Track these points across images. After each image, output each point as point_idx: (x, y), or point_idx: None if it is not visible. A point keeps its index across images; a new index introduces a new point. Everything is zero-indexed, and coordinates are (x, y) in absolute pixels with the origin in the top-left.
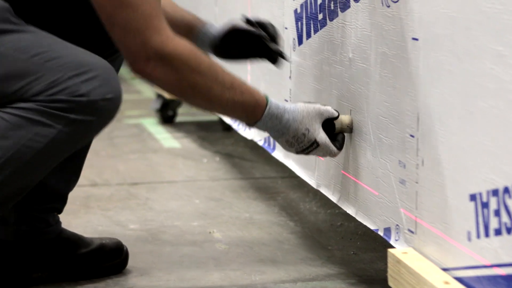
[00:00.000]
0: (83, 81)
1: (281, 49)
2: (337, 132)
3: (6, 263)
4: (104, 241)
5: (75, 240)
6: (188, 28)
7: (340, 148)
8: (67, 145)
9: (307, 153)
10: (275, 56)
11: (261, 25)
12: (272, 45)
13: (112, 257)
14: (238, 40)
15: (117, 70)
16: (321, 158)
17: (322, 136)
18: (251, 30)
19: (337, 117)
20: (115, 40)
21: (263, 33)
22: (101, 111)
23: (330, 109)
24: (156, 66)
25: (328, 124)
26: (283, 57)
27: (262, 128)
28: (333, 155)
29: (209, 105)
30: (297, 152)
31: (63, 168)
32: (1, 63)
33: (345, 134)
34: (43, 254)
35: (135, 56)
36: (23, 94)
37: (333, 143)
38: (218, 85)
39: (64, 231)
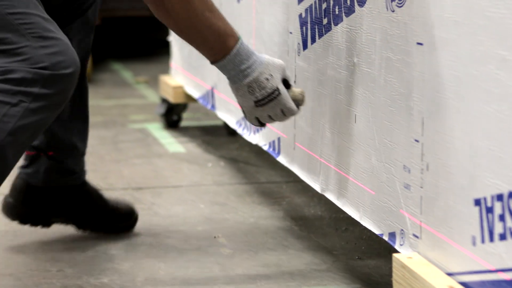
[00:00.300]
0: (48, 54)
1: None
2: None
3: (32, 205)
4: (119, 204)
5: (94, 196)
6: None
7: (298, 107)
8: (37, 120)
9: (266, 104)
10: None
11: None
12: None
13: (124, 219)
14: None
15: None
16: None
17: (282, 87)
18: None
19: (290, 86)
20: None
21: None
22: (62, 84)
23: (289, 75)
24: None
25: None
26: None
27: (229, 65)
28: (290, 111)
29: (187, 22)
30: (256, 102)
31: (72, 120)
32: None
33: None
34: (65, 202)
35: None
36: None
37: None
38: (200, 1)
39: (86, 184)
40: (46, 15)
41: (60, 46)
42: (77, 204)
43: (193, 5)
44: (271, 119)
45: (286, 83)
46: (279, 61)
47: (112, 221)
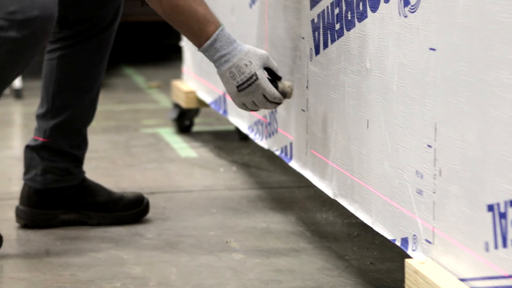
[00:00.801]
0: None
1: None
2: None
3: (38, 206)
4: (125, 193)
5: (98, 189)
6: None
7: (283, 95)
8: (15, 62)
9: (246, 88)
10: None
11: None
12: None
13: (132, 206)
14: None
15: None
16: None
17: (261, 73)
18: None
19: (280, 78)
20: None
21: None
22: (34, 27)
23: (274, 63)
24: None
25: (271, 82)
26: None
27: (211, 51)
28: (271, 96)
29: (168, 4)
30: (238, 87)
31: (79, 104)
32: None
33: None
34: (69, 199)
35: None
36: None
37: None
38: None
39: (87, 180)
40: None
41: None
42: (81, 198)
43: None
44: (255, 105)
45: (273, 74)
46: (261, 51)
47: (121, 209)
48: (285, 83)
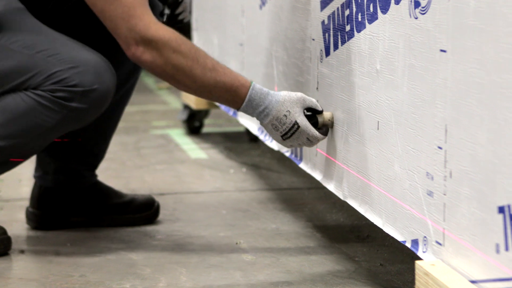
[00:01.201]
0: (76, 73)
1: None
2: (320, 126)
3: (48, 208)
4: (136, 196)
5: (109, 192)
6: None
7: (325, 134)
8: (68, 125)
9: (291, 136)
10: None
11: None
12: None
13: (143, 209)
14: None
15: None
16: (308, 147)
17: (302, 119)
18: None
19: (321, 111)
20: (110, 31)
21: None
22: (93, 99)
23: (314, 101)
24: (144, 50)
25: (311, 119)
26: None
27: (249, 110)
28: (315, 138)
29: (195, 85)
30: (282, 136)
31: (96, 128)
32: (12, 58)
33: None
34: (80, 201)
35: (126, 43)
36: (32, 83)
37: (318, 131)
38: (199, 66)
39: (99, 183)
40: (71, 41)
41: (85, 65)
42: (92, 201)
43: (195, 73)
44: (302, 145)
45: (314, 110)
46: (296, 95)
47: (132, 212)
48: (325, 116)
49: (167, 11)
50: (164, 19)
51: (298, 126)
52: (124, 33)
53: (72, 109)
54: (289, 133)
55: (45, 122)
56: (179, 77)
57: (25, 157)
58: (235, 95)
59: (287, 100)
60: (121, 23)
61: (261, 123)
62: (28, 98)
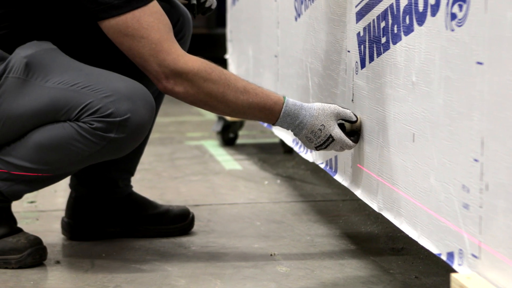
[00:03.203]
0: (111, 102)
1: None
2: (348, 131)
3: (83, 218)
4: (171, 207)
5: (144, 203)
6: None
7: (356, 141)
8: (108, 155)
9: (326, 148)
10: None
11: None
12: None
13: (178, 220)
14: None
15: None
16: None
17: (337, 131)
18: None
19: (355, 121)
20: (140, 68)
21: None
22: (130, 128)
23: (348, 112)
24: (176, 83)
25: (344, 127)
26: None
27: (284, 125)
28: (349, 147)
29: (228, 109)
30: (317, 148)
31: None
32: (48, 94)
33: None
34: (115, 212)
35: (157, 78)
36: (68, 116)
37: (349, 138)
38: (231, 90)
39: (134, 194)
40: (104, 72)
41: (118, 93)
42: (127, 211)
43: (227, 98)
44: (335, 152)
45: (348, 121)
46: (330, 107)
47: (166, 223)
48: (358, 123)
49: (194, 1)
50: (194, 11)
51: (333, 139)
52: (154, 68)
53: (111, 140)
54: (323, 145)
55: (83, 152)
56: (213, 103)
57: (61, 178)
58: (269, 113)
59: (321, 113)
60: (150, 60)
61: (296, 136)
62: (69, 127)
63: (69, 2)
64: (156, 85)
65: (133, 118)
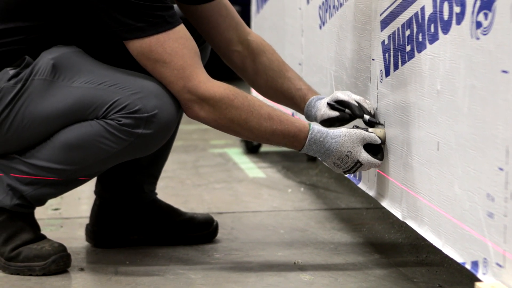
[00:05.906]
0: (138, 98)
1: (370, 116)
2: (372, 148)
3: (108, 225)
4: (195, 215)
5: (168, 210)
6: (292, 101)
7: (381, 159)
8: (136, 152)
9: (354, 172)
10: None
11: (345, 105)
12: (364, 118)
13: (201, 228)
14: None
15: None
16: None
17: (364, 156)
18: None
19: (379, 144)
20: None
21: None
22: (158, 124)
23: (373, 136)
24: (198, 108)
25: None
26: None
27: (310, 152)
28: (378, 166)
29: (252, 135)
30: (345, 172)
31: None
32: (75, 93)
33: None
34: (139, 219)
35: (181, 101)
36: (96, 114)
37: (375, 157)
38: (254, 117)
39: (158, 201)
40: (130, 72)
41: (146, 90)
42: (151, 218)
43: (250, 125)
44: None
45: (372, 144)
46: (356, 133)
47: (190, 231)
48: (377, 134)
49: (367, 117)
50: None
51: (361, 164)
52: (177, 93)
53: (138, 135)
54: (351, 170)
55: (111, 149)
56: (236, 129)
57: (90, 177)
58: (294, 141)
59: (347, 140)
60: (172, 84)
61: (323, 161)
62: (97, 124)
63: (94, 20)
64: (181, 107)
65: (161, 114)
